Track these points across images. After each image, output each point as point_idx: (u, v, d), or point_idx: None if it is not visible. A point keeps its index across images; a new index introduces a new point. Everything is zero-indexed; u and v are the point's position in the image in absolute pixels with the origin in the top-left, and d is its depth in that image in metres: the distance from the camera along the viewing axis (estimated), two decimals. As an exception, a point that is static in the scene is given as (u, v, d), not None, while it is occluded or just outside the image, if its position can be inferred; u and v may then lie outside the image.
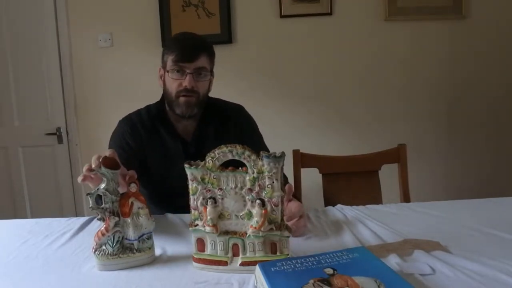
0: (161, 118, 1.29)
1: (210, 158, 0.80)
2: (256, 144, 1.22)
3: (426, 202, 1.26)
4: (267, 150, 1.22)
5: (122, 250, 0.83)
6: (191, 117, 1.25)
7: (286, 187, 0.89)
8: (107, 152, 0.84)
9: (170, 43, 1.26)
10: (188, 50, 1.18)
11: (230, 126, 1.33)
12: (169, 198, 1.24)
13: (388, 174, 1.64)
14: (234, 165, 0.80)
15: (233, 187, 0.80)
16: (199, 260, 0.81)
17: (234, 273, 0.78)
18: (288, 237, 0.79)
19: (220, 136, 1.29)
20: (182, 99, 1.20)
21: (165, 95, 1.27)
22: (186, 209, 0.84)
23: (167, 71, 1.21)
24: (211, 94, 1.33)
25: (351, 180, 1.60)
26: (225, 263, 0.79)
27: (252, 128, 1.39)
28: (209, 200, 0.80)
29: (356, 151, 1.67)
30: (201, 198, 0.81)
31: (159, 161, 1.28)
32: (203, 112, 1.29)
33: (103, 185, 0.82)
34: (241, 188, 0.79)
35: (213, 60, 1.25)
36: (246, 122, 1.38)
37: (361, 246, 0.86)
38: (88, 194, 0.82)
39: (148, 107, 1.34)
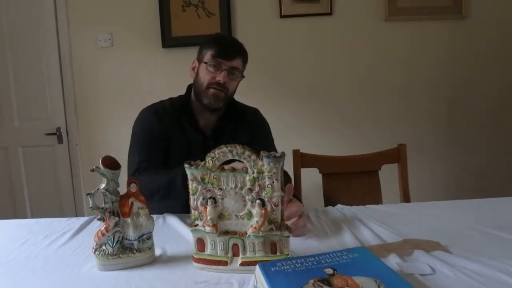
0: (185, 110, 1.34)
1: (210, 158, 0.80)
2: (267, 147, 1.24)
3: (426, 202, 1.26)
4: None
5: (122, 250, 0.83)
6: (215, 110, 1.30)
7: (287, 187, 0.89)
8: None
9: (211, 38, 1.32)
10: (228, 48, 1.27)
11: (246, 126, 1.38)
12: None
13: (388, 174, 1.64)
14: (234, 165, 0.80)
15: (233, 187, 0.80)
16: (199, 260, 0.81)
17: (234, 273, 0.78)
18: (288, 237, 0.79)
19: (234, 134, 1.34)
20: (211, 90, 1.26)
21: (195, 85, 1.32)
22: None
23: (205, 63, 1.26)
24: None
25: (351, 180, 1.60)
26: (225, 263, 0.79)
27: (266, 132, 1.45)
28: (209, 200, 0.80)
29: (356, 151, 1.67)
30: (201, 198, 0.81)
31: (180, 150, 1.31)
32: (224, 110, 1.34)
33: (103, 185, 0.82)
34: (241, 188, 0.79)
35: (245, 66, 1.33)
36: (261, 126, 1.44)
37: (361, 246, 0.86)
38: (88, 194, 0.82)
39: (171, 99, 1.39)
